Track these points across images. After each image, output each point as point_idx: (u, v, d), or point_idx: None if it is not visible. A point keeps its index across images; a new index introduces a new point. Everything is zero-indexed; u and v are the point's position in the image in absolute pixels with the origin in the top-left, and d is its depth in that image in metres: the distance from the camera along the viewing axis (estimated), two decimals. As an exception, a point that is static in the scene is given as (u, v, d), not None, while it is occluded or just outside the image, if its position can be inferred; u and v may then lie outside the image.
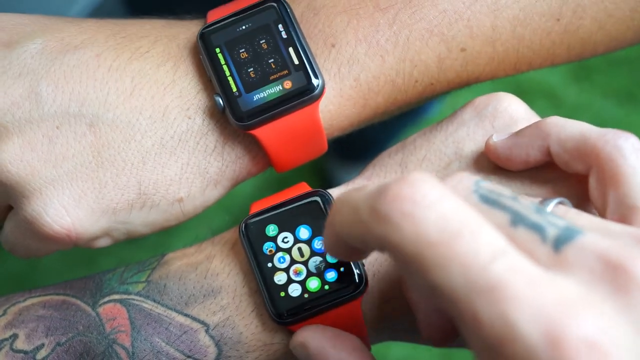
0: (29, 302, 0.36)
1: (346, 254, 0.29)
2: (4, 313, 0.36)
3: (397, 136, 1.10)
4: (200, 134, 0.37)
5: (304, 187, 0.37)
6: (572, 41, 0.39)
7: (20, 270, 1.20)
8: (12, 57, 0.36)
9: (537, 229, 0.25)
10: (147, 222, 0.37)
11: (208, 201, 0.38)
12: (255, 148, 0.38)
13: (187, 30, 0.38)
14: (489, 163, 0.36)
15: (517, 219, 0.25)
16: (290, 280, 0.35)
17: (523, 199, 0.26)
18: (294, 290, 0.35)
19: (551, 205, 0.29)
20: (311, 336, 0.33)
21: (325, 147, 0.38)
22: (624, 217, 0.30)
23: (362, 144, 1.11)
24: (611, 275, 0.24)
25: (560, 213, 0.28)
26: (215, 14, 0.38)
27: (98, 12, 0.92)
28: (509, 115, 0.37)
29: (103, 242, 0.38)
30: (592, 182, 0.31)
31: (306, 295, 0.34)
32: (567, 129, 0.33)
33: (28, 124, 0.35)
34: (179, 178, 0.37)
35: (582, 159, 0.32)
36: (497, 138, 0.35)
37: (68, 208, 0.35)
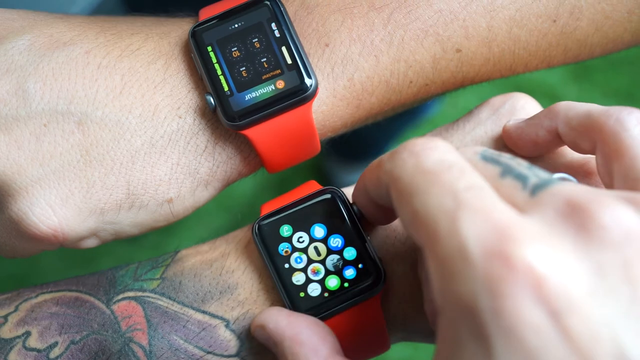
0: (40, 298, 0.36)
1: (369, 208, 0.33)
2: (16, 309, 0.35)
3: (397, 136, 1.10)
4: (191, 134, 0.36)
5: (314, 185, 0.37)
6: (569, 43, 0.39)
7: (19, 270, 1.19)
8: None
9: (520, 178, 0.27)
10: (135, 222, 0.37)
11: (198, 202, 0.38)
12: (246, 148, 0.37)
13: (178, 28, 0.38)
14: None
15: (506, 171, 0.27)
16: (308, 280, 0.35)
17: (520, 159, 0.28)
18: (314, 289, 0.35)
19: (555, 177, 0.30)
20: (267, 317, 0.33)
21: (319, 148, 0.38)
22: (630, 190, 0.30)
23: (361, 144, 1.11)
24: (575, 216, 0.25)
25: None
26: (207, 12, 0.37)
27: (97, 13, 0.91)
28: (525, 113, 0.38)
29: (90, 243, 0.37)
30: (598, 159, 0.32)
31: (326, 294, 0.34)
32: (575, 108, 0.34)
33: (15, 121, 0.35)
34: (169, 178, 0.36)
35: (587, 136, 0.32)
36: (513, 122, 0.37)
37: (55, 208, 0.35)
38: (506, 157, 0.28)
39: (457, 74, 0.38)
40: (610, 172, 0.31)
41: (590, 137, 0.32)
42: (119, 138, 0.35)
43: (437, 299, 0.26)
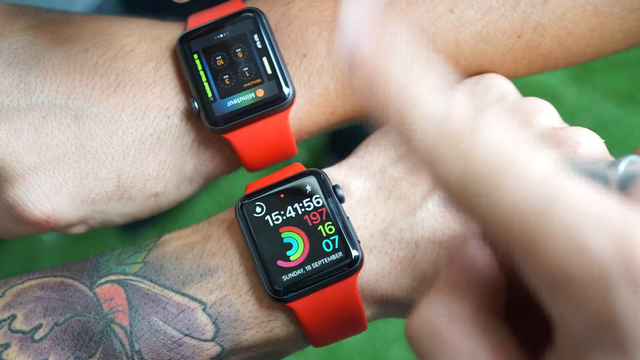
0: (27, 284, 0.37)
1: None
2: (3, 295, 0.37)
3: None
4: (178, 134, 0.38)
5: (298, 167, 0.39)
6: (533, 57, 0.40)
7: (18, 271, 1.22)
8: (3, 46, 0.38)
9: (599, 178, 0.24)
10: (122, 213, 0.39)
11: (182, 196, 0.40)
12: (227, 149, 0.39)
13: (169, 33, 0.40)
14: None
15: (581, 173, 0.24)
16: (288, 258, 0.36)
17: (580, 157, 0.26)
18: (293, 268, 0.35)
19: (624, 163, 0.26)
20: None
21: (295, 151, 0.40)
22: None
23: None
24: None
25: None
26: (195, 20, 0.40)
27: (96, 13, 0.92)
28: (498, 90, 0.39)
29: (78, 229, 0.39)
30: None
31: (304, 273, 0.35)
32: None
33: (15, 112, 0.37)
34: (157, 174, 0.38)
35: None
36: None
37: (49, 195, 0.37)
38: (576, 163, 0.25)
39: None
40: None
41: None
42: (111, 134, 0.38)
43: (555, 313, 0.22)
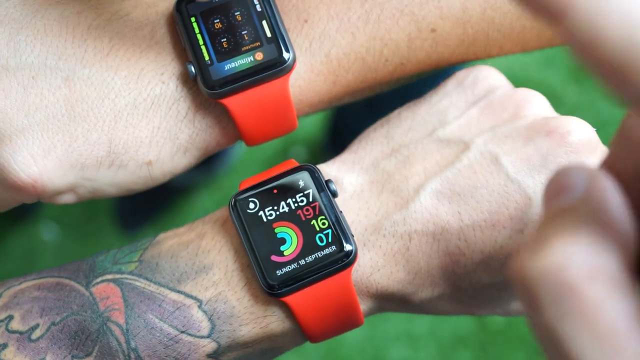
0: (23, 285, 0.37)
1: None
2: (0, 296, 0.36)
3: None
4: (173, 100, 0.37)
5: (292, 163, 0.38)
6: (543, 26, 0.39)
7: (17, 272, 1.22)
8: None
9: None
10: (114, 182, 0.38)
11: (177, 168, 0.39)
12: (225, 119, 0.38)
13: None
14: (470, 126, 0.37)
15: None
16: (282, 253, 0.36)
17: None
18: (287, 262, 0.36)
19: None
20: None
21: (295, 123, 0.39)
22: None
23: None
24: None
25: None
26: None
27: None
28: (488, 83, 0.38)
29: (67, 198, 0.38)
30: None
31: (299, 267, 0.35)
32: None
33: (4, 70, 0.36)
34: (149, 141, 0.37)
35: None
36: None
37: (36, 158, 0.36)
38: None
39: (432, 54, 0.39)
40: None
41: None
42: (103, 97, 0.37)
43: None
